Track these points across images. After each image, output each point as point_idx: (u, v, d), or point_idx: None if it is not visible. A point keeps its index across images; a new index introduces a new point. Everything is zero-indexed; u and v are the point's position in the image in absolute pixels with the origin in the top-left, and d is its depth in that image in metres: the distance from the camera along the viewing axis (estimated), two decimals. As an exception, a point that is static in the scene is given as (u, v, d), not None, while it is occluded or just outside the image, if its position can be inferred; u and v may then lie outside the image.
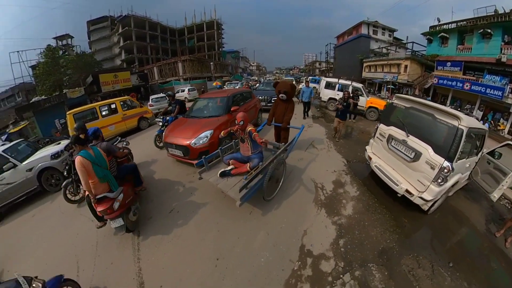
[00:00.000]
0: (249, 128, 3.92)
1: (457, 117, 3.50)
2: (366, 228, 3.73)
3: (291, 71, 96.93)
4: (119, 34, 42.68)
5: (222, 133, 4.26)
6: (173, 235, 3.78)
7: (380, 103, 11.52)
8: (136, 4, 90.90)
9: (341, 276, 2.93)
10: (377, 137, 4.95)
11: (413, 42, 28.43)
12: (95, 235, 3.97)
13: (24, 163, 5.83)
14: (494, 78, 14.94)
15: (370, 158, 4.96)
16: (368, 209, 4.21)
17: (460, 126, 3.45)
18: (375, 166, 4.69)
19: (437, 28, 21.51)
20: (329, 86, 13.77)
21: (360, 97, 11.49)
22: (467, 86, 16.20)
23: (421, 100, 4.47)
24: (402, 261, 3.19)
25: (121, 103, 10.62)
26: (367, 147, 5.32)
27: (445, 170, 3.43)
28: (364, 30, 35.02)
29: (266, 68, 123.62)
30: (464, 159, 3.80)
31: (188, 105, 8.88)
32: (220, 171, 4.07)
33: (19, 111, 21.07)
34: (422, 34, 23.56)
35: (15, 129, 18.76)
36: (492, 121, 15.38)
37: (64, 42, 39.67)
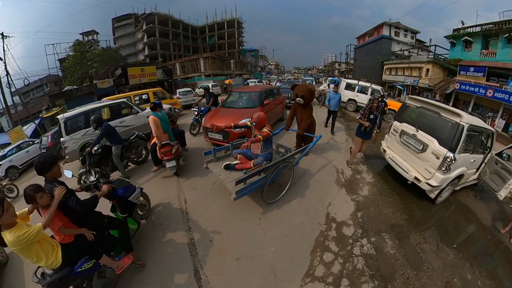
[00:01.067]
0: (265, 128, 3.91)
1: (459, 115, 4.07)
2: (379, 207, 4.36)
3: (309, 71, 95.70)
4: (143, 31, 44.21)
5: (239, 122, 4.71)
6: (218, 201, 4.41)
7: (397, 105, 11.87)
8: (159, 2, 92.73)
9: (360, 240, 3.54)
10: (391, 132, 5.53)
11: (435, 45, 27.36)
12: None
13: (144, 111, 7.50)
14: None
15: (385, 151, 5.55)
16: (382, 193, 4.84)
17: (461, 122, 3.98)
18: (389, 157, 5.28)
19: (461, 31, 20.74)
20: (349, 87, 14.28)
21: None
22: (490, 93, 15.66)
23: (430, 100, 5.04)
24: (410, 235, 3.71)
25: (153, 93, 11.62)
26: (382, 142, 5.90)
27: (448, 160, 3.96)
28: (385, 32, 34.38)
29: (285, 67, 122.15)
30: (468, 154, 4.29)
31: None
32: (224, 164, 4.15)
33: (52, 98, 22.84)
34: (445, 37, 22.91)
35: (48, 114, 19.92)
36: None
37: (90, 37, 41.61)
